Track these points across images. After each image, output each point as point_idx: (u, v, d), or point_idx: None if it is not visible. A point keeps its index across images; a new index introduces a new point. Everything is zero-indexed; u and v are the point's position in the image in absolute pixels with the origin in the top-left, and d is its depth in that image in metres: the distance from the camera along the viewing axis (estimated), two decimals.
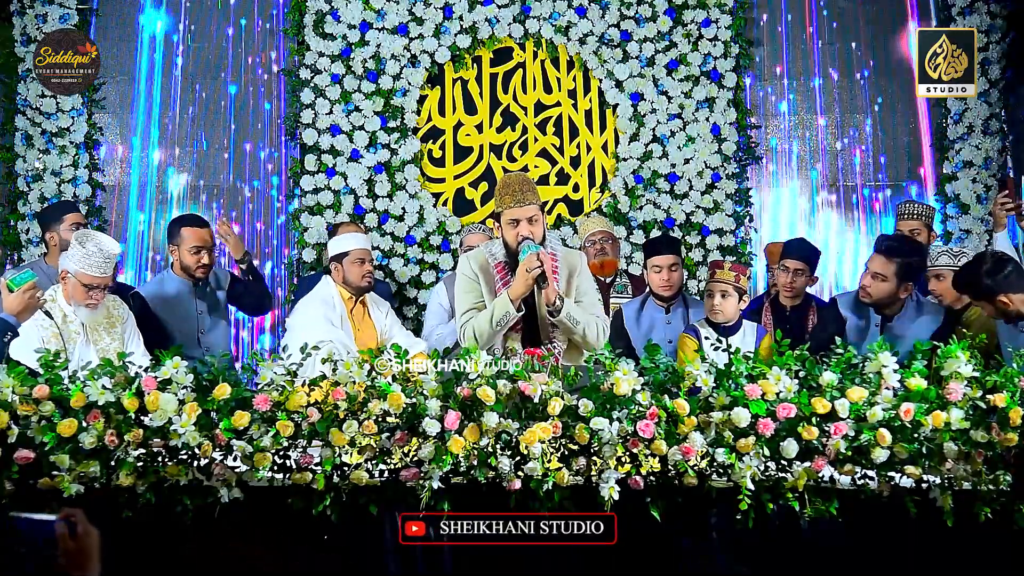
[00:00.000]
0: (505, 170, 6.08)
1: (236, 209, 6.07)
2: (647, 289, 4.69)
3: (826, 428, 2.98)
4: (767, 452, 2.96)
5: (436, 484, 2.90)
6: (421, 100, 6.09)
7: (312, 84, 5.95)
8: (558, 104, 6.16)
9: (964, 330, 3.42)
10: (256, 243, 6.07)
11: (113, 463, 2.94)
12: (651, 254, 4.61)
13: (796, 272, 4.73)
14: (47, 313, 3.77)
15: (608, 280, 5.11)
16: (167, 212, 5.97)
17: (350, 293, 4.49)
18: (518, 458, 2.95)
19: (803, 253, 4.76)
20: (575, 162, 6.14)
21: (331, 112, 5.96)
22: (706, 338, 4.13)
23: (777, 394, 3.00)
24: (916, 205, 5.08)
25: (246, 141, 6.08)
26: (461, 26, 6.05)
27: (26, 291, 3.53)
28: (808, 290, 4.83)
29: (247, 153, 6.08)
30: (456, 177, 6.13)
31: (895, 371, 3.06)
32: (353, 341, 4.29)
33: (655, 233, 5.94)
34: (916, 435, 3.02)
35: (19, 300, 3.51)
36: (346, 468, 2.97)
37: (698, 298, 5.00)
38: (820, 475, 3.01)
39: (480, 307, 3.71)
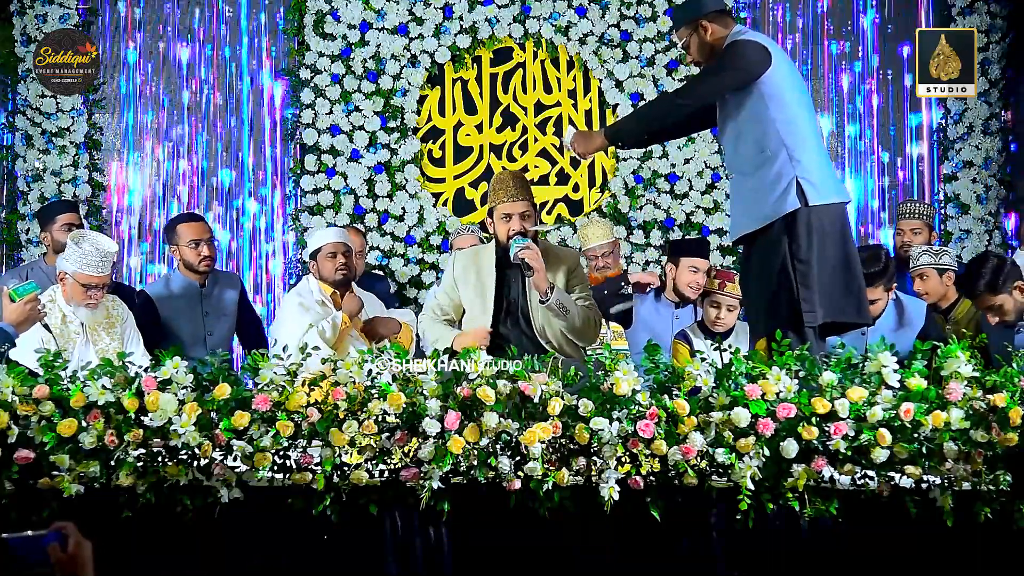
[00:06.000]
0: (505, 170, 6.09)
1: (235, 210, 6.07)
2: (651, 287, 4.68)
3: (826, 428, 2.98)
4: (767, 452, 2.96)
5: (436, 484, 2.90)
6: (421, 100, 6.08)
7: (312, 84, 5.94)
8: (558, 104, 6.16)
9: (950, 328, 3.43)
10: (255, 243, 6.08)
11: (113, 463, 2.94)
12: (692, 254, 4.66)
13: None
14: (46, 327, 3.75)
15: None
16: (166, 212, 5.97)
17: (332, 287, 4.42)
18: (518, 458, 2.95)
19: None
20: (575, 162, 6.12)
21: (331, 112, 5.95)
22: (698, 350, 4.11)
23: (777, 394, 3.00)
24: (917, 204, 5.08)
25: (245, 141, 6.08)
26: (461, 26, 6.04)
27: (28, 302, 3.50)
28: None
29: (247, 153, 6.08)
30: (456, 177, 6.13)
31: (895, 371, 3.05)
32: (340, 319, 4.24)
33: (655, 233, 5.95)
34: (916, 435, 3.01)
35: (20, 311, 3.48)
36: (346, 468, 2.96)
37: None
38: (820, 475, 3.01)
39: (446, 308, 3.95)
